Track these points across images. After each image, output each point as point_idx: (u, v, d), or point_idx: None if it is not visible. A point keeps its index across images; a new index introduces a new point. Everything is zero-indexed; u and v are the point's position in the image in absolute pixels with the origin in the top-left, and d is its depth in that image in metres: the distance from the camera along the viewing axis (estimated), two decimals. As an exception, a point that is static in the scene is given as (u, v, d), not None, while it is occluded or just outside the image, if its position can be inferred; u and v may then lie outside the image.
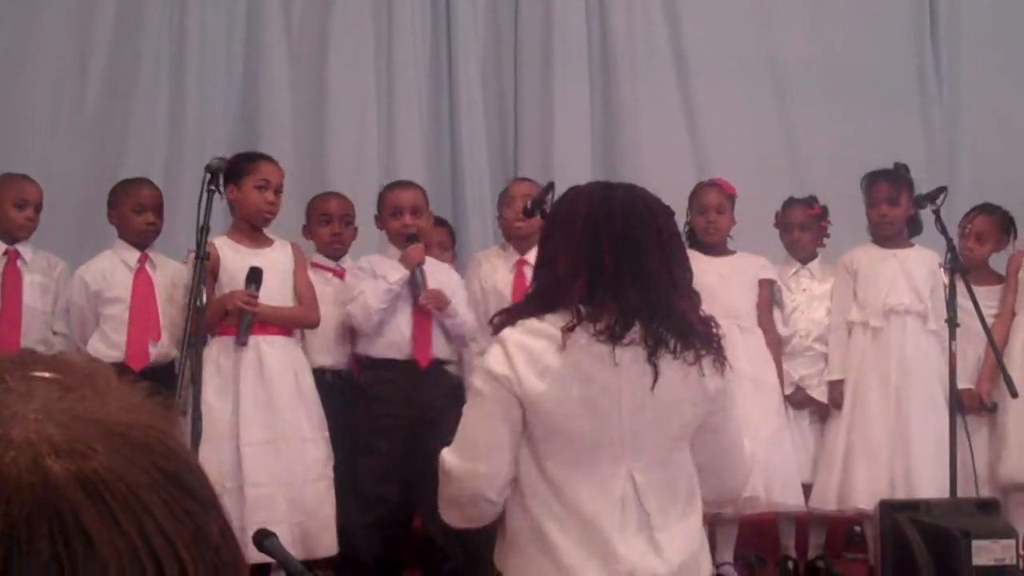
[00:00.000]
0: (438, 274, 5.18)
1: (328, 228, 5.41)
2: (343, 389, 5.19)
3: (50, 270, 5.20)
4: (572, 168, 6.53)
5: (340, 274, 5.35)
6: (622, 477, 2.51)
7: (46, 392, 0.73)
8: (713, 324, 2.57)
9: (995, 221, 5.70)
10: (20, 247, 5.14)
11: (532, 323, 2.50)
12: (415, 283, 5.06)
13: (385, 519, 5.03)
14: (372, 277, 5.09)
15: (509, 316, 2.57)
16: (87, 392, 0.74)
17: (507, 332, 2.51)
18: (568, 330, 2.44)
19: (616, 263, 2.48)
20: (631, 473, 2.51)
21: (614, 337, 2.45)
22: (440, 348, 5.17)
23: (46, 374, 0.75)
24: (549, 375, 2.45)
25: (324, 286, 5.21)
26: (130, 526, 0.70)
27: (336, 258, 5.42)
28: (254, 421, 4.71)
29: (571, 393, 2.46)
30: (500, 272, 5.40)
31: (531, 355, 2.46)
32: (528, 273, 5.28)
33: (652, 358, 2.46)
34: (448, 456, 2.56)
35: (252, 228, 4.94)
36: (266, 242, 4.98)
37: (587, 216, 2.54)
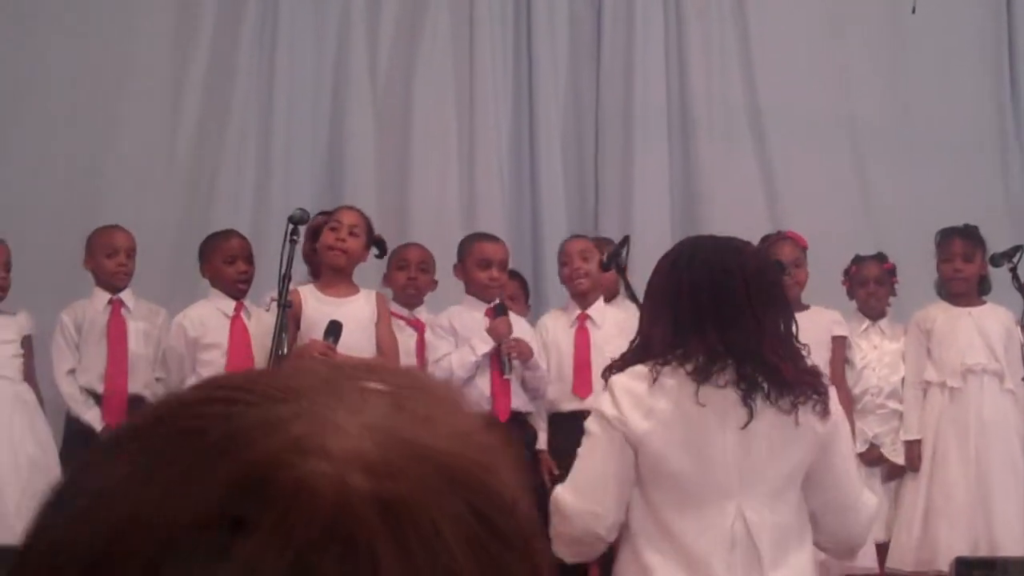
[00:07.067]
0: (515, 328, 5.23)
1: (404, 274, 5.46)
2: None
3: (152, 317, 5.37)
4: (651, 224, 6.57)
5: (414, 324, 5.41)
6: (732, 515, 2.58)
7: (376, 407, 0.67)
8: (816, 374, 2.66)
9: None
10: (123, 296, 5.30)
11: (636, 368, 2.62)
12: (499, 355, 5.14)
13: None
14: (452, 335, 5.19)
15: (618, 365, 2.70)
16: (418, 413, 0.68)
17: (614, 378, 2.64)
18: (652, 370, 2.56)
19: (694, 308, 2.59)
20: (742, 511, 2.58)
21: (700, 376, 2.54)
22: (518, 400, 5.23)
23: (381, 387, 0.69)
24: (653, 416, 2.56)
25: (397, 334, 5.21)
26: (424, 563, 0.62)
27: (411, 306, 5.46)
28: None
29: (674, 432, 2.56)
30: (561, 327, 5.48)
31: (635, 397, 2.58)
32: (590, 328, 5.36)
33: (747, 400, 2.55)
34: (563, 494, 2.63)
35: (337, 276, 5.01)
36: (351, 291, 5.04)
37: (670, 266, 2.68)
